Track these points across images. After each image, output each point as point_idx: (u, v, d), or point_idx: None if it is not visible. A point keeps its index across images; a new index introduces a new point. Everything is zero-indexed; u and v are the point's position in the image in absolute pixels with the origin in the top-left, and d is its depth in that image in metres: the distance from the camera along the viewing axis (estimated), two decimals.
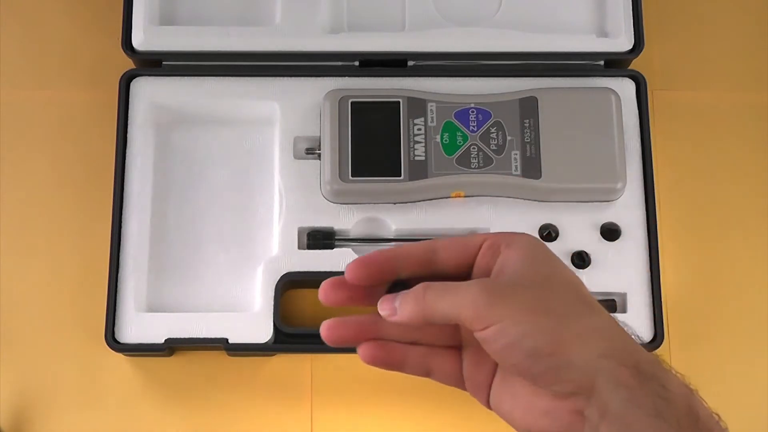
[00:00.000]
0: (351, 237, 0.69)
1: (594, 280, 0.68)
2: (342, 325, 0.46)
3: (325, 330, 0.46)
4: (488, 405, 0.48)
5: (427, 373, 0.48)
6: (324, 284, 0.46)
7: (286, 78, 0.72)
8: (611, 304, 0.68)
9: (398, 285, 0.45)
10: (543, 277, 0.45)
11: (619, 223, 0.69)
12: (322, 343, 0.67)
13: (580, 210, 0.69)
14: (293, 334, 0.67)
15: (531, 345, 0.42)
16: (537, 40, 0.72)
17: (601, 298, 0.68)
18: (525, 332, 0.42)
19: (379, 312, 0.45)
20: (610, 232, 0.69)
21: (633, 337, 0.44)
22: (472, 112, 0.69)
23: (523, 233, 0.46)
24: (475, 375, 0.47)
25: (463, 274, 0.45)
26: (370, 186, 0.68)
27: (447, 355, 0.47)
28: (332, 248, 0.68)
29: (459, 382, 0.48)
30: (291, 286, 0.69)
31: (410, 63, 0.72)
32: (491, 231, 0.69)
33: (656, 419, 0.40)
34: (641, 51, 0.72)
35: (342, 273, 0.68)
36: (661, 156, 0.73)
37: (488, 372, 0.46)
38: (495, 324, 0.42)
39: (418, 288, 0.44)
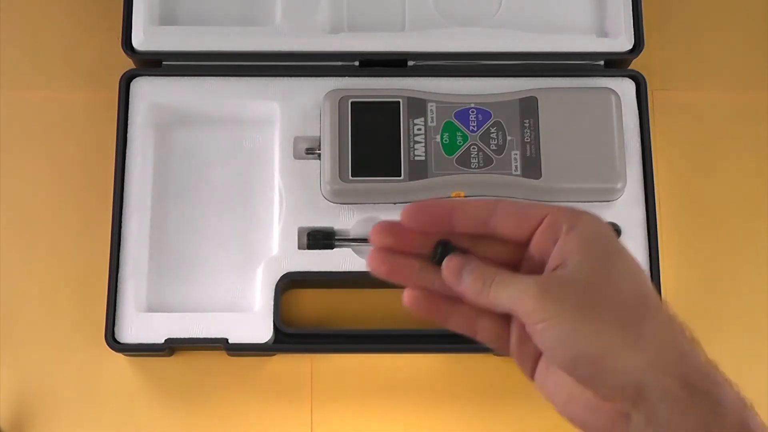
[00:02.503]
0: (351, 237, 0.69)
1: None
2: (392, 261, 0.45)
3: (375, 263, 0.45)
4: (532, 379, 0.46)
5: (472, 333, 0.46)
6: (378, 225, 0.45)
7: (286, 78, 0.72)
8: None
9: (444, 245, 0.45)
10: (601, 275, 0.44)
11: (619, 223, 0.69)
12: (322, 343, 0.68)
13: None
14: (293, 334, 0.67)
15: (574, 350, 0.42)
16: (537, 40, 0.72)
17: None
18: (570, 336, 0.42)
19: (443, 270, 0.44)
20: None
21: (688, 339, 0.43)
22: (472, 112, 0.69)
23: (587, 213, 0.44)
24: (521, 350, 0.45)
25: (516, 240, 0.45)
26: (370, 186, 0.68)
27: (496, 321, 0.46)
28: (332, 248, 0.68)
29: (504, 349, 0.46)
30: (291, 286, 0.69)
31: (410, 63, 0.72)
32: None
33: None
34: (641, 51, 0.72)
35: (342, 273, 0.69)
36: (661, 156, 0.73)
37: (535, 352, 0.45)
38: (543, 322, 0.42)
39: (487, 274, 0.44)
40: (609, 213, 0.69)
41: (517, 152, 0.68)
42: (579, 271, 0.43)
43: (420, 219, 0.44)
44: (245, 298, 0.69)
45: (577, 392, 0.43)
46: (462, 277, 0.44)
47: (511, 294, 0.43)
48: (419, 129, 0.68)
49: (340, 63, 0.72)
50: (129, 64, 0.72)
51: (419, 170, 0.67)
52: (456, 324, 0.46)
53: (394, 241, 0.45)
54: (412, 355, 0.69)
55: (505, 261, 0.45)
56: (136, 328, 0.67)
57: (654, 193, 0.70)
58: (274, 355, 0.69)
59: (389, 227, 0.45)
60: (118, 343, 0.66)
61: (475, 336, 0.46)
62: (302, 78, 0.72)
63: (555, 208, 0.45)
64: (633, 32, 0.72)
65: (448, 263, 0.44)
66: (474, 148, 0.68)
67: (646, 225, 0.69)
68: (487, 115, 0.69)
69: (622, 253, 0.44)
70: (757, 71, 0.76)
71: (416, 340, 0.68)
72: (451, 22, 0.73)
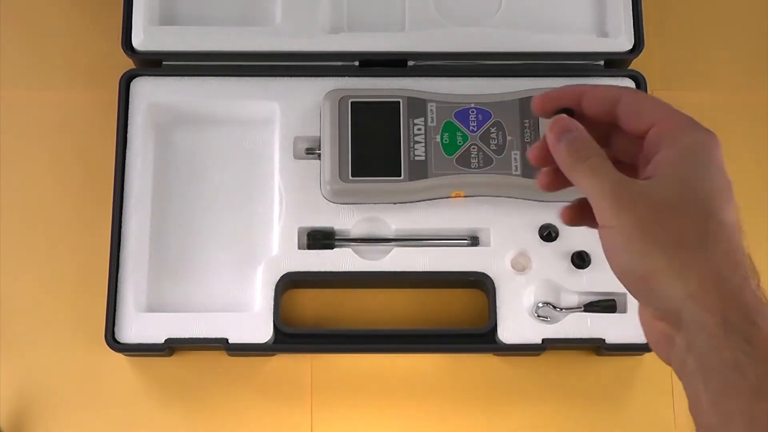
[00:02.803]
0: (351, 237, 0.69)
1: (594, 280, 0.68)
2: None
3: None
4: None
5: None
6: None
7: (286, 78, 0.72)
8: (611, 304, 0.68)
9: (564, 110, 0.47)
10: (679, 196, 0.45)
11: None
12: (322, 343, 0.68)
13: None
14: (293, 334, 0.67)
15: (626, 263, 0.43)
16: (537, 40, 0.72)
17: (600, 298, 0.68)
18: (624, 249, 0.43)
19: (549, 125, 0.47)
20: None
21: (741, 275, 0.44)
22: (472, 112, 0.69)
23: (694, 128, 0.47)
24: None
25: (635, 134, 0.47)
26: (370, 186, 0.68)
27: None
28: (332, 248, 0.68)
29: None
30: (291, 286, 0.69)
31: (410, 63, 0.72)
32: (493, 229, 0.69)
33: (734, 372, 0.40)
34: (641, 51, 0.72)
35: (342, 273, 0.69)
36: None
37: None
38: (606, 228, 0.44)
39: (582, 152, 0.46)
40: None
41: (517, 152, 0.68)
42: (661, 187, 0.44)
43: (549, 106, 0.48)
44: (245, 298, 0.69)
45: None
46: (560, 142, 0.46)
47: (593, 185, 0.45)
48: (419, 129, 0.68)
49: (340, 63, 0.72)
50: (129, 64, 0.72)
51: (419, 170, 0.67)
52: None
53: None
54: (412, 355, 0.69)
55: (627, 151, 0.47)
56: (136, 328, 0.67)
57: None
58: (274, 355, 0.69)
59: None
60: (118, 343, 0.66)
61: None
62: (302, 78, 0.72)
63: (669, 115, 0.47)
64: (633, 32, 0.72)
65: (556, 121, 0.47)
66: (474, 148, 0.68)
67: None
68: (487, 115, 0.69)
69: (715, 177, 0.45)
70: (757, 71, 0.76)
71: (416, 340, 0.68)
72: (451, 22, 0.73)
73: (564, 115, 0.47)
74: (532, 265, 0.68)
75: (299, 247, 0.68)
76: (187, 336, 0.66)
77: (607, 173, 0.45)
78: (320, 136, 0.69)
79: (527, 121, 0.68)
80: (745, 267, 0.44)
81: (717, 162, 0.46)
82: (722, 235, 0.45)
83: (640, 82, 0.72)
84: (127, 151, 0.70)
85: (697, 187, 0.45)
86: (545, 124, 0.68)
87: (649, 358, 0.68)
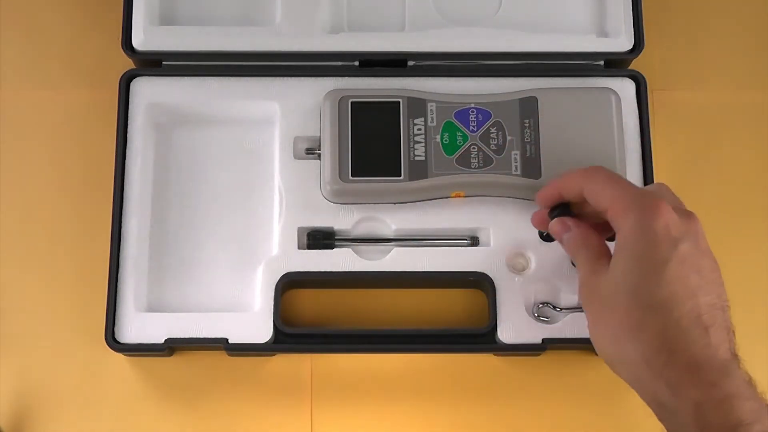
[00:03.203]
0: (351, 237, 0.69)
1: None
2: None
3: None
4: None
5: None
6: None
7: (286, 78, 0.72)
8: None
9: (557, 207, 0.62)
10: (616, 288, 0.55)
11: None
12: (322, 343, 0.68)
13: None
14: (293, 334, 0.67)
15: (597, 347, 0.56)
16: (537, 40, 0.72)
17: None
18: (591, 335, 0.56)
19: (550, 228, 0.62)
20: None
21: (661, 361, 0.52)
22: (472, 112, 0.69)
23: (640, 211, 0.54)
24: None
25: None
26: (370, 186, 0.68)
27: None
28: (332, 248, 0.68)
29: None
30: (291, 286, 0.69)
31: (410, 63, 0.72)
32: (493, 229, 0.69)
33: None
34: (641, 51, 0.72)
35: (342, 273, 0.69)
36: (661, 156, 0.73)
37: None
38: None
39: (573, 250, 0.60)
40: None
41: (517, 152, 0.68)
42: (609, 282, 0.55)
43: (544, 203, 0.63)
44: (245, 298, 0.69)
45: None
46: (563, 241, 0.61)
47: (580, 274, 0.58)
48: (419, 129, 0.68)
49: (340, 63, 0.72)
50: (129, 64, 0.72)
51: (419, 170, 0.67)
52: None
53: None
54: (412, 355, 0.69)
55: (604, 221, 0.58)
56: (136, 328, 0.67)
57: None
58: (274, 355, 0.69)
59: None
60: (118, 343, 0.66)
61: None
62: (302, 78, 0.72)
63: (615, 201, 0.56)
64: (633, 32, 0.72)
65: (553, 226, 0.62)
66: (474, 148, 0.68)
67: None
68: (487, 115, 0.69)
69: (665, 266, 0.53)
70: (757, 71, 0.76)
71: (416, 340, 0.68)
72: (451, 22, 0.73)
73: (556, 220, 0.61)
74: (531, 265, 0.68)
75: (299, 247, 0.68)
76: (187, 336, 0.66)
77: (583, 267, 0.58)
78: (320, 136, 0.69)
79: (527, 121, 0.68)
80: (689, 338, 0.52)
81: (669, 246, 0.54)
82: (651, 321, 0.52)
83: (640, 82, 0.72)
84: (127, 151, 0.70)
85: (629, 281, 0.54)
86: (545, 125, 0.68)
87: None
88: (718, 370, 0.51)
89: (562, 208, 0.62)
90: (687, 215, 0.56)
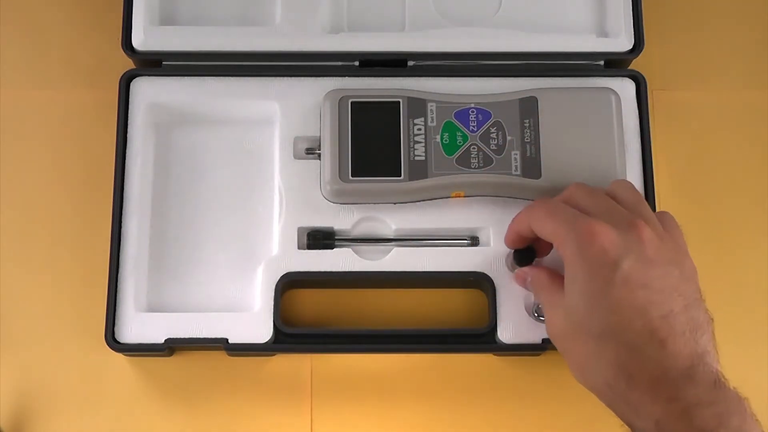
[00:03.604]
0: (351, 237, 0.69)
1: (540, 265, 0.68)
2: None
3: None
4: None
5: None
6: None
7: (286, 78, 0.72)
8: None
9: (516, 252, 0.65)
10: (565, 321, 0.56)
11: None
12: (322, 343, 0.68)
13: None
14: (293, 334, 0.67)
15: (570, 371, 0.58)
16: (537, 40, 0.72)
17: None
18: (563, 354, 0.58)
19: (514, 276, 0.65)
20: None
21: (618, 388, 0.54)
22: (472, 112, 0.69)
23: (573, 242, 0.55)
24: None
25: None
26: (370, 186, 0.68)
27: None
28: (332, 248, 0.68)
29: None
30: (291, 286, 0.69)
31: (410, 63, 0.72)
32: (493, 229, 0.69)
33: None
34: (641, 51, 0.72)
35: (342, 273, 0.69)
36: (661, 156, 0.73)
37: None
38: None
39: (536, 293, 0.62)
40: None
41: (517, 152, 0.68)
42: (565, 311, 0.56)
43: (510, 245, 0.64)
44: (245, 298, 0.69)
45: None
46: (527, 287, 0.63)
47: (544, 314, 0.60)
48: (419, 129, 0.68)
49: (340, 63, 0.72)
50: (129, 64, 0.72)
51: (419, 170, 0.67)
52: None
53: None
54: (412, 355, 0.69)
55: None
56: (136, 328, 0.67)
57: (654, 193, 0.70)
58: (274, 355, 0.69)
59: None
60: (118, 343, 0.66)
61: None
62: (302, 78, 0.72)
63: (557, 232, 0.56)
64: (633, 32, 0.72)
65: (516, 274, 0.65)
66: (474, 148, 0.68)
67: None
68: (487, 115, 0.69)
69: (608, 291, 0.53)
70: (758, 71, 0.76)
71: (416, 340, 0.68)
72: (451, 22, 0.73)
73: (518, 271, 0.65)
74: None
75: (299, 247, 0.68)
76: (187, 336, 0.66)
77: (543, 307, 0.60)
78: (320, 136, 0.69)
79: (527, 121, 0.68)
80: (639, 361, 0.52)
81: (610, 269, 0.54)
82: (606, 349, 0.53)
83: (640, 82, 0.72)
84: (127, 151, 0.70)
85: (578, 313, 0.55)
86: (545, 125, 0.68)
87: None
88: (677, 381, 0.50)
89: (522, 252, 0.64)
90: (629, 226, 0.55)
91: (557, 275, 0.59)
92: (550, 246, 0.62)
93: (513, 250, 0.66)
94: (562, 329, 0.56)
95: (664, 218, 0.58)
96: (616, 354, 0.52)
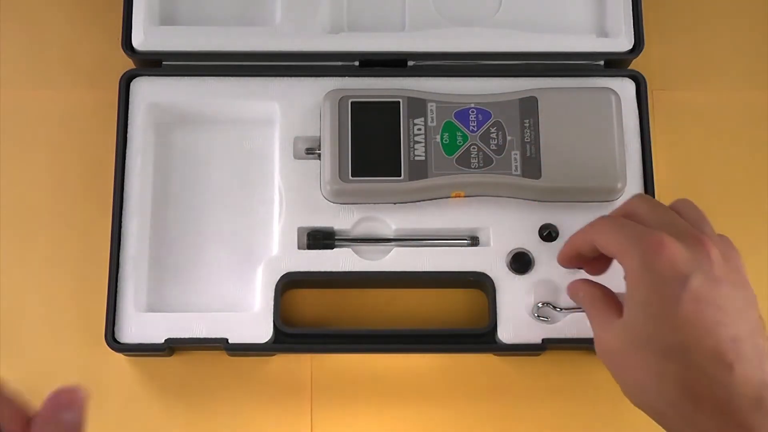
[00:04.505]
0: (351, 237, 0.69)
1: (594, 280, 0.68)
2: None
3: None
4: None
5: None
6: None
7: (286, 78, 0.72)
8: None
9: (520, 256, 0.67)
10: (629, 343, 0.53)
11: None
12: (322, 343, 0.68)
13: (580, 210, 0.69)
14: (293, 334, 0.67)
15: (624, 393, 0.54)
16: (537, 40, 0.72)
17: None
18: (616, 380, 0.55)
19: (567, 289, 0.61)
20: None
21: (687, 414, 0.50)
22: (472, 112, 0.69)
23: (643, 254, 0.52)
24: None
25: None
26: (370, 186, 0.68)
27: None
28: (332, 248, 0.68)
29: None
30: (291, 286, 0.69)
31: (410, 63, 0.72)
32: (493, 229, 0.69)
33: None
34: (641, 51, 0.72)
35: (342, 273, 0.69)
36: (661, 156, 0.73)
37: None
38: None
39: (585, 305, 0.58)
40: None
41: (517, 152, 0.68)
42: (625, 327, 0.53)
43: (566, 264, 0.61)
44: (245, 298, 0.69)
45: None
46: (578, 300, 0.59)
47: (593, 331, 0.56)
48: (419, 129, 0.68)
49: (340, 63, 0.72)
50: (129, 64, 0.72)
51: (419, 170, 0.67)
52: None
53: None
54: (411, 355, 0.69)
55: None
56: (136, 328, 0.67)
57: (654, 193, 0.70)
58: (274, 355, 0.69)
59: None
60: (118, 343, 0.66)
61: None
62: (302, 78, 0.72)
63: (622, 246, 0.53)
64: (633, 32, 0.72)
65: (568, 287, 0.61)
66: (474, 148, 0.68)
67: None
68: (487, 115, 0.69)
69: (676, 308, 0.51)
70: (758, 71, 0.76)
71: (416, 340, 0.68)
72: (451, 22, 0.73)
73: (573, 281, 0.60)
74: (531, 265, 0.68)
75: (299, 247, 0.68)
76: (187, 336, 0.66)
77: (593, 325, 0.56)
78: (320, 136, 0.69)
79: (527, 121, 0.68)
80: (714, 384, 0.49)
81: (678, 282, 0.51)
82: (671, 368, 0.50)
83: (640, 82, 0.72)
84: (127, 151, 0.70)
85: (641, 329, 0.52)
86: (545, 125, 0.68)
87: None
88: (746, 409, 0.48)
89: (520, 257, 0.66)
90: (696, 242, 0.52)
91: (611, 293, 0.57)
92: (604, 266, 0.60)
93: (512, 255, 0.67)
94: (617, 346, 0.53)
95: (724, 242, 0.55)
96: (682, 374, 0.49)
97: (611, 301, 0.56)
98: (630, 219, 0.55)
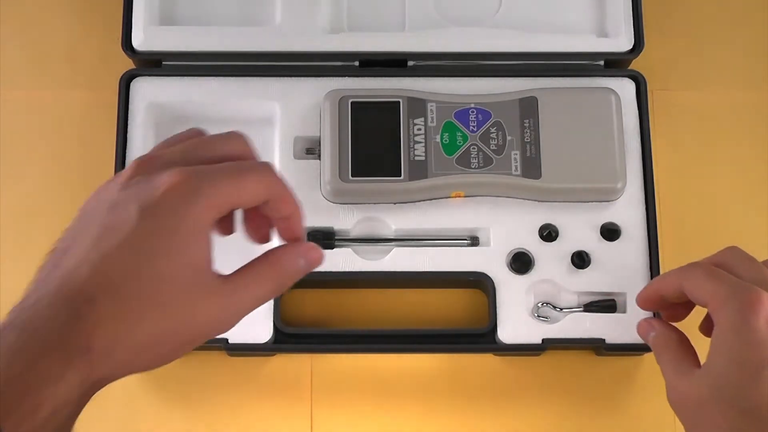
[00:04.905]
0: (351, 237, 0.69)
1: (594, 280, 0.68)
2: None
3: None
4: None
5: None
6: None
7: (286, 78, 0.72)
8: (611, 304, 0.68)
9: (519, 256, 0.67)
10: (710, 393, 0.51)
11: (619, 223, 0.69)
12: (322, 343, 0.68)
13: (580, 210, 0.69)
14: (293, 334, 0.67)
15: None
16: (537, 40, 0.72)
17: (600, 298, 0.68)
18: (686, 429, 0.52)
19: (637, 327, 0.59)
20: (610, 232, 0.69)
21: None
22: (472, 112, 0.69)
23: (735, 310, 0.50)
24: None
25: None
26: (370, 186, 0.68)
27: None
28: (332, 248, 0.68)
29: None
30: (291, 286, 0.69)
31: (410, 63, 0.72)
32: (493, 229, 0.69)
33: None
34: (641, 51, 0.72)
35: (342, 273, 0.69)
36: (661, 156, 0.73)
37: None
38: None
39: (656, 351, 0.56)
40: (609, 213, 0.69)
41: (517, 152, 0.68)
42: (708, 378, 0.51)
43: (646, 306, 0.59)
44: None
45: None
46: (648, 341, 0.58)
47: (666, 377, 0.54)
48: (419, 129, 0.68)
49: (340, 63, 0.72)
50: (129, 64, 0.72)
51: (419, 170, 0.67)
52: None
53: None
54: (412, 355, 0.69)
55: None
56: None
57: (654, 193, 0.70)
58: (274, 355, 0.69)
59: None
60: None
61: None
62: (302, 78, 0.72)
63: (716, 296, 0.52)
64: (633, 32, 0.72)
65: (639, 326, 0.59)
66: (474, 148, 0.68)
67: (646, 225, 0.69)
68: (487, 115, 0.69)
69: (765, 368, 0.49)
70: (757, 71, 0.76)
71: (416, 340, 0.68)
72: (451, 22, 0.73)
73: (648, 319, 0.59)
74: (531, 265, 0.68)
75: None
76: None
77: (667, 369, 0.55)
78: (320, 136, 0.69)
79: (527, 121, 0.68)
80: None
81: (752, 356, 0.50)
82: (751, 428, 0.49)
83: (640, 82, 0.72)
84: (127, 151, 0.70)
85: (726, 384, 0.50)
86: (545, 125, 0.68)
87: (649, 358, 0.68)
88: None
89: (519, 257, 0.66)
90: None
91: (687, 340, 0.56)
92: (684, 313, 0.58)
93: (512, 255, 0.67)
94: (695, 396, 0.52)
95: None
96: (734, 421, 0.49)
97: (689, 348, 0.55)
98: (722, 269, 0.54)
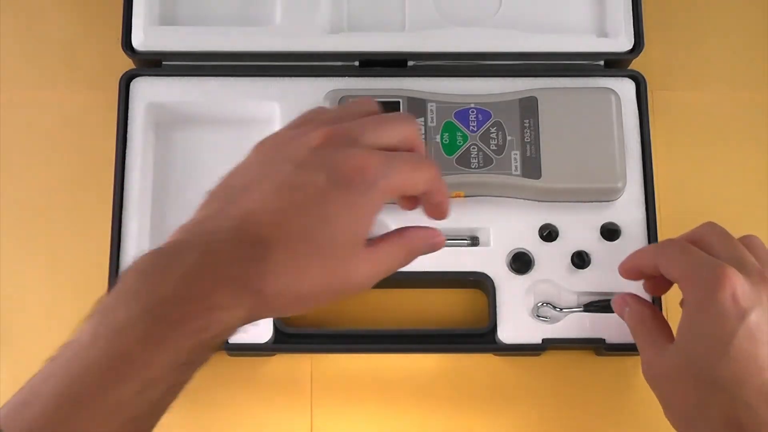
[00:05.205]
0: None
1: (594, 280, 0.68)
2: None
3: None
4: None
5: None
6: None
7: (286, 78, 0.72)
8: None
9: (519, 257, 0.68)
10: (678, 367, 0.53)
11: (619, 223, 0.69)
12: (322, 343, 0.68)
13: (580, 210, 0.69)
14: (293, 334, 0.67)
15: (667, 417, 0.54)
16: (537, 40, 0.72)
17: (600, 298, 0.68)
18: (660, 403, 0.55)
19: (612, 302, 0.62)
20: (610, 232, 0.69)
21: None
22: (472, 112, 0.69)
23: (706, 289, 0.52)
24: None
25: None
26: None
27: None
28: None
29: None
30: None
31: (410, 63, 0.72)
32: (493, 229, 0.69)
33: None
34: (641, 51, 0.72)
35: None
36: (661, 156, 0.73)
37: None
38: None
39: (632, 328, 0.59)
40: (609, 213, 0.69)
41: (517, 152, 0.68)
42: (678, 353, 0.53)
43: (626, 276, 0.60)
44: None
45: None
46: (623, 316, 0.60)
47: (641, 352, 0.57)
48: (419, 129, 0.68)
49: (340, 63, 0.72)
50: (129, 64, 0.72)
51: None
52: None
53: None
54: (412, 355, 0.69)
55: None
56: None
57: (654, 193, 0.70)
58: (274, 355, 0.69)
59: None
60: None
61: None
62: (302, 78, 0.72)
63: (686, 273, 0.54)
64: (633, 32, 0.72)
65: (614, 302, 0.61)
66: (474, 148, 0.68)
67: (646, 225, 0.69)
68: (487, 115, 0.69)
69: (730, 341, 0.51)
70: (757, 71, 0.76)
71: (416, 340, 0.68)
72: (451, 22, 0.73)
73: (622, 294, 0.61)
74: (531, 265, 0.68)
75: None
76: None
77: (641, 345, 0.57)
78: None
79: (527, 121, 0.68)
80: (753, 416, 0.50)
81: (736, 323, 0.51)
82: (718, 400, 0.50)
83: (640, 82, 0.72)
84: (127, 151, 0.70)
85: (693, 358, 0.52)
86: (545, 125, 0.68)
87: None
88: None
89: (519, 257, 0.67)
90: (761, 280, 0.53)
91: (661, 315, 0.57)
92: (664, 288, 0.60)
93: (512, 255, 0.67)
94: (667, 371, 0.53)
95: None
96: (729, 407, 0.50)
97: (662, 323, 0.56)
98: (697, 246, 0.55)
